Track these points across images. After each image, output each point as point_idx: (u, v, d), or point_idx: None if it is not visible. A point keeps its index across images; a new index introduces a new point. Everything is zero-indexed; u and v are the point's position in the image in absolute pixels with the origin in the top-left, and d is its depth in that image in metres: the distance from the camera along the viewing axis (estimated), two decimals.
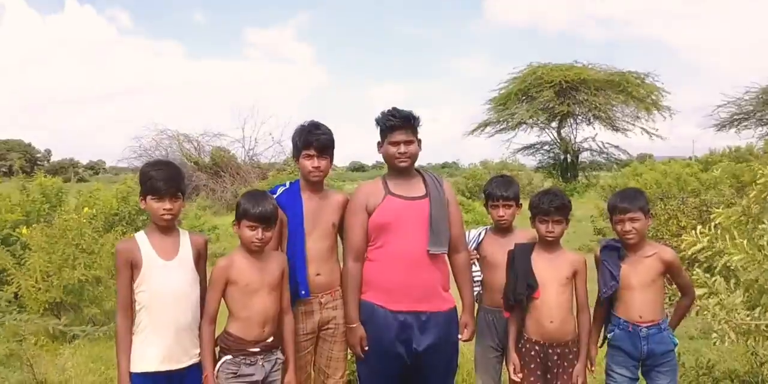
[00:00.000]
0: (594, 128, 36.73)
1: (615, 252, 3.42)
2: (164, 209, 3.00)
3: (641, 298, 3.35)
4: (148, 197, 3.01)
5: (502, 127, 37.24)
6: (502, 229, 3.72)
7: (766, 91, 35.01)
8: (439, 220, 3.37)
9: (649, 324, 3.34)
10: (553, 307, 3.36)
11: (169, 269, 3.02)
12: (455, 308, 3.45)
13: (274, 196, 3.37)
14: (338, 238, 3.59)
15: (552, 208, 3.38)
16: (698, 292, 3.52)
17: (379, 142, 3.47)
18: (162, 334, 2.98)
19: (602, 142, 37.15)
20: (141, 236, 3.06)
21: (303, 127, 3.51)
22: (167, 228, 3.08)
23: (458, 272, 3.54)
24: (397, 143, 3.36)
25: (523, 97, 35.86)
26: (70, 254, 6.92)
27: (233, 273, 3.09)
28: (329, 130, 3.53)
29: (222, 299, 3.12)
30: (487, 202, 3.75)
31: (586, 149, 37.56)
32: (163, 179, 2.99)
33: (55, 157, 72.61)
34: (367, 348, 3.34)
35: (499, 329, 3.66)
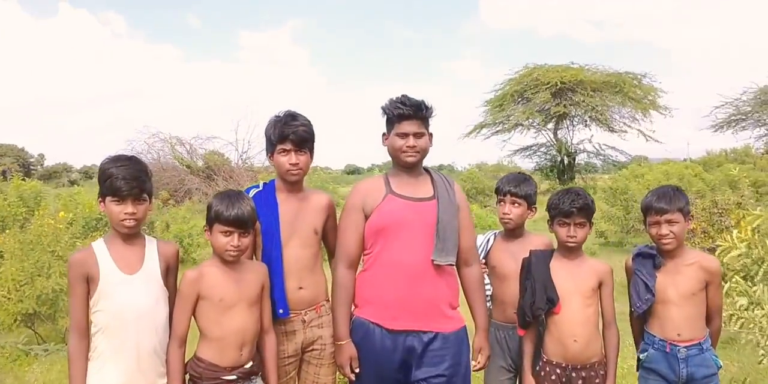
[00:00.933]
0: (590, 130, 36.50)
1: (649, 260, 3.01)
2: (126, 213, 2.56)
3: (680, 313, 2.94)
4: (108, 199, 2.57)
5: (498, 128, 36.95)
6: (511, 232, 3.36)
7: (764, 91, 34.68)
8: (447, 225, 2.94)
9: (688, 343, 2.92)
10: (576, 323, 2.94)
11: (132, 284, 2.58)
12: (465, 329, 3.01)
13: None
14: (323, 245, 3.19)
15: (574, 208, 2.96)
16: (740, 301, 3.10)
17: (384, 133, 3.05)
18: (122, 360, 2.55)
19: (599, 143, 36.87)
20: (99, 245, 2.62)
21: (277, 118, 3.06)
22: (130, 236, 2.64)
23: (470, 289, 3.09)
24: (405, 135, 2.94)
25: (520, 99, 35.64)
26: (45, 262, 6.48)
27: (205, 286, 2.66)
28: (308, 120, 3.09)
29: (192, 318, 2.70)
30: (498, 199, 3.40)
31: (583, 151, 37.26)
32: (126, 178, 2.54)
33: (48, 162, 72.00)
34: (357, 370, 2.91)
35: (512, 348, 3.27)
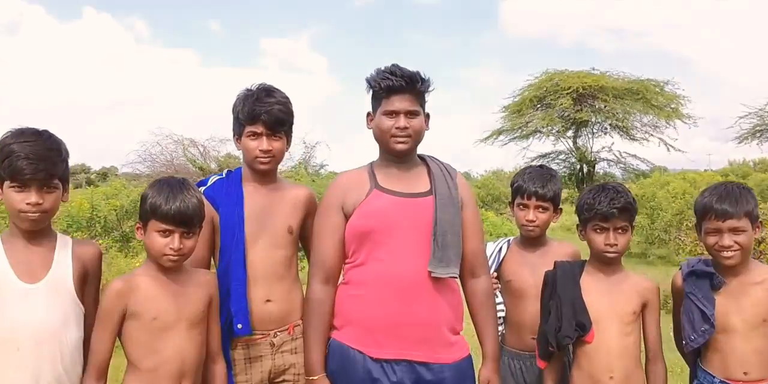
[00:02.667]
0: (611, 137, 35.74)
1: (706, 280, 2.34)
2: (28, 203, 1.96)
3: (746, 346, 2.27)
4: (6, 184, 1.98)
5: (516, 135, 36.26)
6: (531, 240, 2.75)
7: None
8: (447, 227, 2.31)
9: None
10: (613, 355, 2.32)
11: (33, 297, 1.98)
12: (470, 358, 2.38)
13: (202, 188, 2.35)
14: (300, 247, 2.60)
15: (614, 209, 2.34)
16: None
17: (368, 113, 2.45)
18: None
19: (619, 151, 36.11)
20: None
21: (249, 93, 2.48)
22: (34, 233, 2.05)
23: (477, 306, 2.44)
24: (394, 113, 2.32)
25: (539, 105, 34.94)
26: None
27: (134, 301, 2.06)
28: (286, 97, 2.52)
29: (117, 341, 2.09)
30: (513, 199, 2.78)
31: (603, 160, 36.53)
32: (29, 157, 1.95)
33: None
34: None
35: (528, 382, 2.67)
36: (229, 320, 2.33)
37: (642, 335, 2.41)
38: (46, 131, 2.06)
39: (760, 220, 2.37)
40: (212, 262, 2.49)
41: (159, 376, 2.06)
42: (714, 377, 2.32)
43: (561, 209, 2.78)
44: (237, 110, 2.48)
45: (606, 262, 2.42)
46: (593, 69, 34.80)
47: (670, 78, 40.52)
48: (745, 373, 2.27)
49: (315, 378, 2.30)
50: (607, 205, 2.35)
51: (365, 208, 2.31)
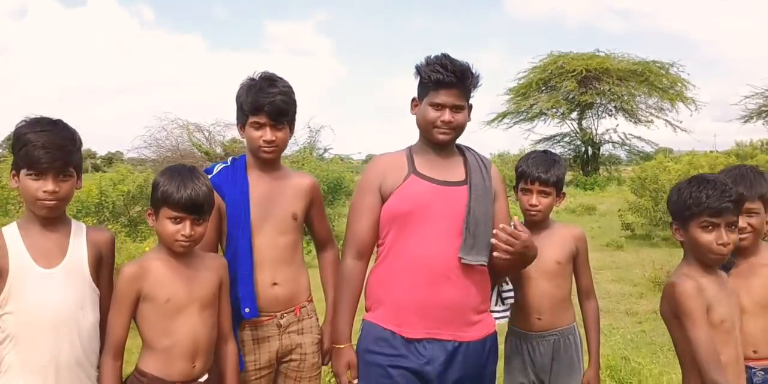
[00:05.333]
0: (616, 119, 35.67)
1: None
2: (45, 191, 2.03)
3: (755, 325, 2.33)
4: (23, 172, 2.05)
5: (521, 117, 36.26)
6: (534, 223, 2.78)
7: None
8: (480, 217, 2.38)
9: (766, 361, 2.32)
10: None
11: (51, 281, 2.06)
12: (495, 335, 2.49)
13: (209, 176, 2.42)
14: (306, 232, 2.67)
15: (728, 204, 2.14)
16: None
17: (414, 99, 2.50)
18: (36, 378, 2.03)
19: (624, 133, 36.04)
20: (10, 231, 2.10)
21: (252, 83, 2.52)
22: (50, 220, 2.12)
23: None
24: (441, 107, 2.38)
25: (544, 87, 34.89)
26: None
27: (148, 284, 2.14)
28: (288, 86, 2.55)
29: (132, 323, 2.18)
30: (517, 184, 2.82)
31: (608, 141, 36.47)
32: (46, 147, 2.01)
33: None
34: (356, 381, 2.39)
35: (536, 362, 2.78)
36: (237, 304, 2.41)
37: None
38: (60, 121, 2.13)
39: None
40: (219, 247, 2.57)
41: (173, 355, 2.15)
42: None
43: (564, 193, 2.83)
44: (240, 101, 2.53)
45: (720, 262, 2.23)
46: (598, 51, 34.62)
47: (676, 60, 40.50)
48: (754, 352, 2.33)
49: (342, 346, 2.41)
50: (719, 199, 2.13)
51: (402, 192, 2.39)
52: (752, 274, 2.37)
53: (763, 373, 2.31)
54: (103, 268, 2.20)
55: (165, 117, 27.52)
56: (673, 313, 2.20)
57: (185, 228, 2.14)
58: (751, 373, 2.30)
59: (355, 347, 2.47)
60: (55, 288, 2.06)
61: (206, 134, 27.94)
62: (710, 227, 2.16)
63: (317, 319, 2.71)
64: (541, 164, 2.75)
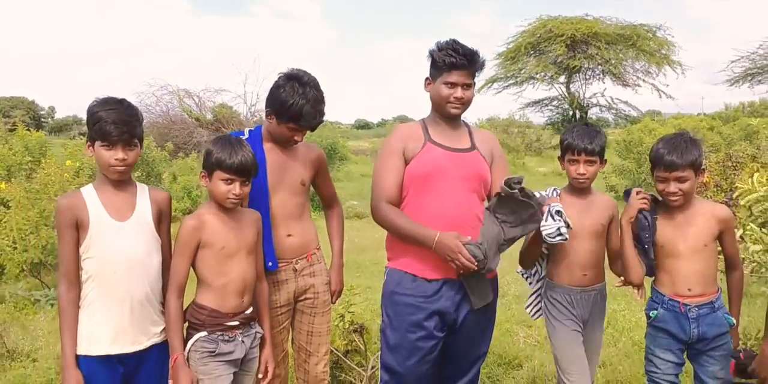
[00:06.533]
0: (603, 83, 35.92)
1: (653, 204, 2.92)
2: (116, 159, 2.45)
3: (689, 267, 2.82)
4: (97, 143, 2.46)
5: (510, 82, 36.41)
6: (579, 190, 3.09)
7: None
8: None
9: (699, 299, 2.81)
10: None
11: (123, 232, 2.50)
12: (497, 276, 2.97)
13: None
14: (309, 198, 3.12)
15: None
16: (752, 248, 3.00)
17: (427, 78, 2.93)
18: (113, 310, 2.48)
19: (611, 97, 36.35)
20: (88, 191, 2.52)
21: (303, 96, 2.84)
22: (120, 182, 2.55)
23: None
24: (453, 85, 2.83)
25: (533, 52, 34.97)
26: (50, 211, 6.43)
27: (206, 234, 2.58)
28: (324, 102, 2.95)
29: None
30: (563, 155, 3.08)
31: (595, 105, 36.78)
32: (116, 122, 2.43)
33: (58, 115, 71.93)
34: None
35: (576, 312, 3.06)
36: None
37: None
38: (124, 100, 2.55)
39: (703, 167, 2.85)
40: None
41: (227, 292, 2.60)
42: (665, 296, 2.86)
43: (606, 160, 3.08)
44: (287, 104, 2.82)
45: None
46: (587, 15, 34.70)
47: (663, 23, 40.68)
48: (689, 290, 2.81)
49: (440, 233, 2.67)
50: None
51: (422, 157, 2.82)
52: (687, 224, 2.84)
53: (697, 309, 2.80)
54: (162, 221, 2.63)
55: (155, 83, 27.61)
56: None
57: (236, 188, 2.56)
58: (687, 310, 2.80)
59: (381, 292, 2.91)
60: (127, 237, 2.50)
61: (196, 100, 28.05)
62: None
63: (325, 264, 3.19)
64: (585, 136, 2.99)
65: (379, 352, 3.01)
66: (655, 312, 2.89)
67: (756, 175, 3.12)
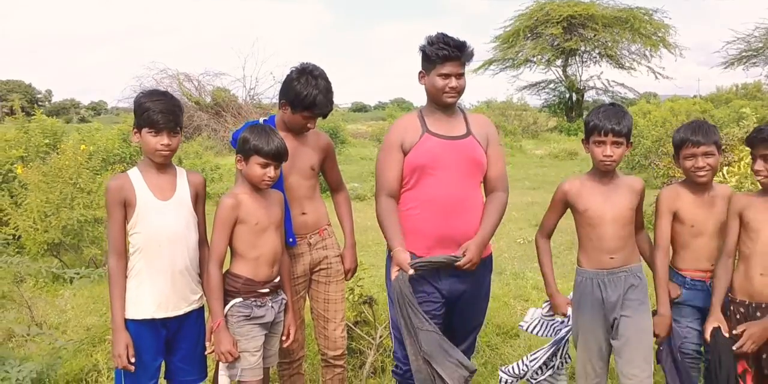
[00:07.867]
0: (600, 66, 36.08)
1: None
2: (162, 144, 2.76)
3: (711, 244, 3.04)
4: (144, 130, 2.77)
5: (507, 64, 36.59)
6: (604, 173, 3.02)
7: None
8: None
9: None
10: None
11: (166, 210, 2.81)
12: (491, 256, 3.25)
13: None
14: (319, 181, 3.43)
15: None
16: None
17: (421, 72, 3.11)
18: (158, 279, 2.80)
19: (608, 80, 36.56)
20: (135, 173, 2.83)
21: (316, 86, 3.14)
22: (163, 165, 2.86)
23: (488, 203, 3.12)
24: (447, 76, 3.01)
25: (530, 35, 35.08)
26: (68, 194, 6.75)
27: (243, 212, 2.89)
28: (333, 91, 3.25)
29: None
30: (588, 137, 3.01)
31: (592, 88, 36.96)
32: (162, 111, 2.73)
33: (56, 98, 71.96)
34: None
35: (603, 295, 3.01)
36: None
37: None
38: (167, 92, 2.89)
39: (722, 148, 3.09)
40: None
41: (260, 263, 2.91)
42: (685, 277, 3.07)
43: (632, 142, 3.02)
44: (301, 94, 3.11)
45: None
46: None
47: (660, 6, 40.80)
48: (712, 265, 3.00)
49: (399, 248, 2.95)
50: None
51: (419, 148, 3.04)
52: (712, 205, 3.03)
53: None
54: (198, 201, 2.95)
55: (154, 66, 27.71)
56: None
57: (270, 171, 2.87)
58: (708, 286, 3.03)
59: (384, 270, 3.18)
60: (169, 214, 2.82)
61: (195, 84, 28.19)
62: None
63: (336, 238, 3.50)
64: (612, 116, 2.90)
65: (388, 321, 3.30)
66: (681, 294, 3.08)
67: (726, 168, 3.39)
